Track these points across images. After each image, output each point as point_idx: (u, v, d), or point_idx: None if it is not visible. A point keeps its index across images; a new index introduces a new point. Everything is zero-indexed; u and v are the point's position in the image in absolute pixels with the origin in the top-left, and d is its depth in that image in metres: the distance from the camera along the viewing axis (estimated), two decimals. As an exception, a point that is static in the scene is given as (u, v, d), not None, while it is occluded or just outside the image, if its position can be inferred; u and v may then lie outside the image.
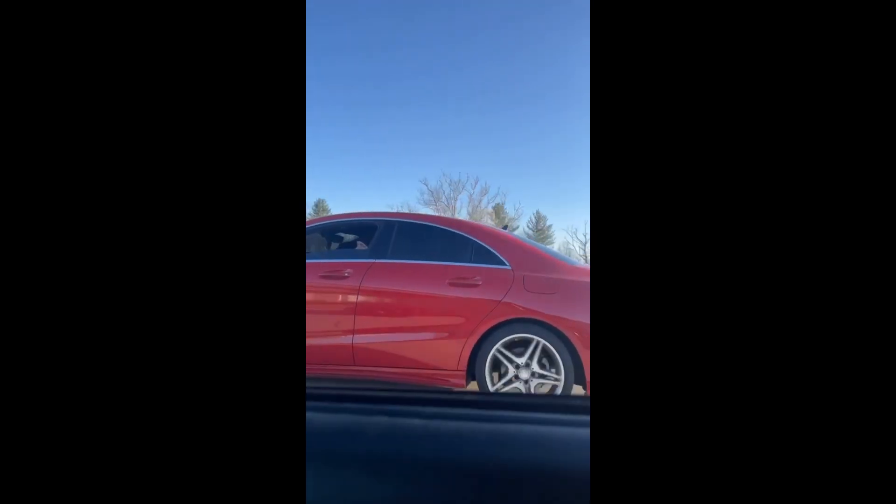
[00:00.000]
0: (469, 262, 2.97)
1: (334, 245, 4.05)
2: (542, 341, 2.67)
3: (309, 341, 3.10)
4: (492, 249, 2.95)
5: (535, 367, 2.70)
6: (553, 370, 2.64)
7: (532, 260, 2.89)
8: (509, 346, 2.81)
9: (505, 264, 2.88)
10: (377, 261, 3.14)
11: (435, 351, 2.87)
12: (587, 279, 2.74)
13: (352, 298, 3.07)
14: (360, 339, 3.01)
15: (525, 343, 2.77)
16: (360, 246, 3.80)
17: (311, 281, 3.16)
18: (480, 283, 2.85)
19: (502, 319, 2.75)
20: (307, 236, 3.76)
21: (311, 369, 3.14)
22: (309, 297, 3.16)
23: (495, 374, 2.86)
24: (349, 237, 4.08)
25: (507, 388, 2.77)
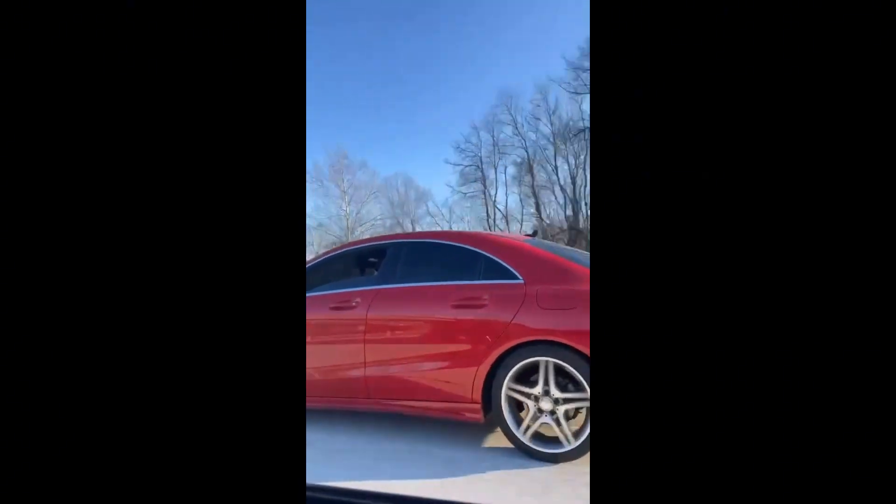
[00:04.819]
0: (477, 280, 2.63)
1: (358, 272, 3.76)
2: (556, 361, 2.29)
3: (324, 375, 2.97)
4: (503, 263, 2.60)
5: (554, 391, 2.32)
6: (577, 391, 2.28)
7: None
8: (522, 375, 2.43)
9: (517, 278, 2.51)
10: (382, 287, 2.91)
11: (446, 382, 2.56)
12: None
13: (360, 328, 2.89)
14: (372, 371, 2.83)
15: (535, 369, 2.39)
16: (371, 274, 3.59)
17: (322, 314, 3.03)
18: (487, 302, 2.50)
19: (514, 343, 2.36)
20: (332, 266, 3.56)
21: (331, 401, 3.01)
22: (322, 330, 3.01)
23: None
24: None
25: (535, 427, 2.36)
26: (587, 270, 2.55)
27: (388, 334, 2.84)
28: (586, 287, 2.36)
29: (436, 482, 2.22)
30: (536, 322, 2.35)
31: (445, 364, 2.58)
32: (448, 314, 2.64)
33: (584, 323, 2.25)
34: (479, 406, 2.48)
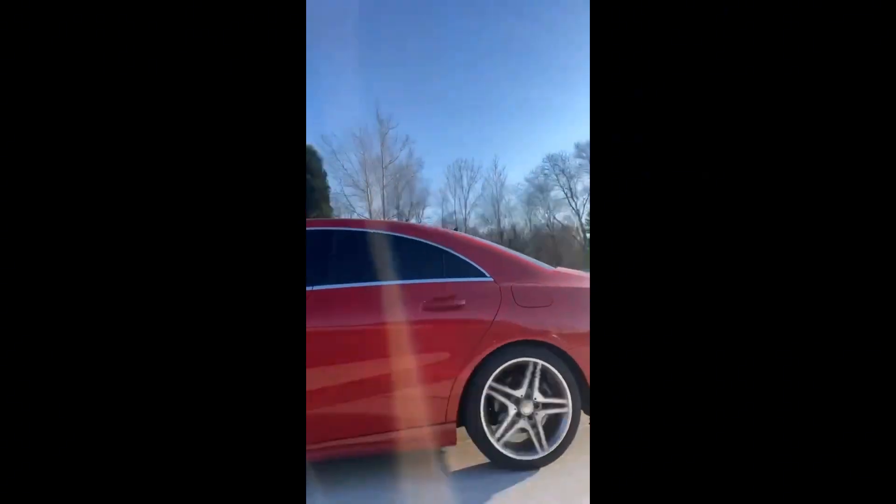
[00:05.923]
0: (445, 278, 2.25)
1: None
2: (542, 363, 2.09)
3: None
4: (467, 259, 2.29)
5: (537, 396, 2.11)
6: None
7: (515, 268, 2.29)
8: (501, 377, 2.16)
9: (486, 276, 2.23)
10: (315, 288, 2.17)
11: (412, 403, 2.06)
12: (580, 285, 2.26)
13: None
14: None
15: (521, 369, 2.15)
16: None
17: None
18: (464, 302, 2.16)
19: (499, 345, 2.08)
20: None
21: None
22: None
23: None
24: None
25: (508, 435, 2.11)
26: (544, 268, 2.42)
27: (330, 351, 2.12)
28: (557, 284, 2.28)
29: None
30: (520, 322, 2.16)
31: (411, 380, 2.12)
32: (417, 316, 2.17)
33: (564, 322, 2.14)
34: (453, 425, 2.11)
